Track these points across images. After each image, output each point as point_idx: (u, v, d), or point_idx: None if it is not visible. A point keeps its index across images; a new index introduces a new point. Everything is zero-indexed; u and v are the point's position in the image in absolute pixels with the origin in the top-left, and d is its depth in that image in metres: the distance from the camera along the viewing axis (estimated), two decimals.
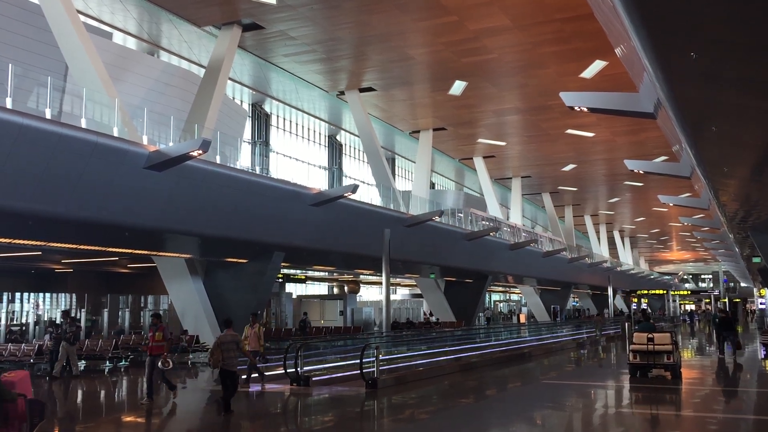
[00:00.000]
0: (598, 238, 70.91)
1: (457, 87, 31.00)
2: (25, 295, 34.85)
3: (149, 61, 27.64)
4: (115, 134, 17.71)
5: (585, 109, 14.01)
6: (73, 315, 25.02)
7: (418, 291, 48.32)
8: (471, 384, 17.71)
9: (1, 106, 14.70)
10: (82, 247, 21.58)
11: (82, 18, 21.99)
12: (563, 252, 50.10)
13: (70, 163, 15.66)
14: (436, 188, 53.44)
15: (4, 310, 31.28)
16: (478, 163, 45.39)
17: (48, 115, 16.34)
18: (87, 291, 33.70)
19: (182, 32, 26.44)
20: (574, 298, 74.57)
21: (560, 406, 14.07)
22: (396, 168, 50.37)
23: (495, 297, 75.51)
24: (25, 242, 20.01)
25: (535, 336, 32.40)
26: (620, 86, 25.54)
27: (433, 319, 43.38)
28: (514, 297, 77.01)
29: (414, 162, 41.95)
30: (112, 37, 26.66)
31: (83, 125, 17.01)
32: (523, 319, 60.02)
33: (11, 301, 33.72)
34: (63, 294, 35.82)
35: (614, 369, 22.04)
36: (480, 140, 41.08)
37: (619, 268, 67.01)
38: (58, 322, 22.33)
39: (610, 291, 51.46)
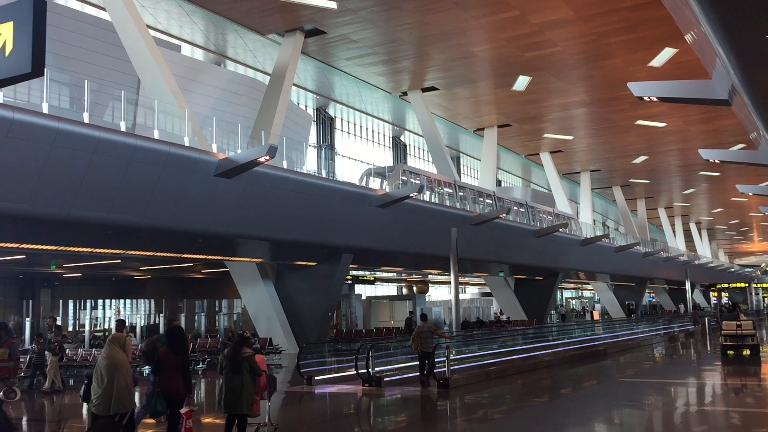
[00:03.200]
0: (674, 231, 68.71)
1: (521, 82, 30.59)
2: (107, 301, 36.26)
3: (216, 71, 28.35)
4: (186, 144, 18.22)
5: (655, 99, 13.60)
6: (59, 324, 22.51)
7: (487, 289, 47.91)
8: (545, 383, 17.43)
9: (79, 121, 15.34)
10: (158, 254, 22.30)
11: (152, 33, 22.73)
12: (637, 246, 48.75)
13: (145, 173, 16.20)
14: (502, 185, 52.89)
15: (88, 317, 32.63)
16: (545, 158, 44.69)
17: (123, 128, 16.95)
18: (164, 296, 34.77)
19: (247, 41, 27.00)
20: (649, 293, 72.42)
21: (639, 404, 13.69)
22: (461, 166, 50.09)
23: (567, 294, 74.11)
24: (105, 251, 20.84)
25: (609, 333, 31.63)
26: (692, 73, 24.71)
27: (504, 317, 42.90)
28: (587, 294, 75.38)
29: (479, 160, 41.62)
30: (181, 50, 27.45)
31: (156, 136, 17.57)
32: (596, 316, 58.68)
33: (94, 307, 35.15)
34: (142, 300, 37.11)
35: (695, 365, 21.32)
36: (546, 135, 40.43)
37: (696, 262, 64.75)
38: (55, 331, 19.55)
39: (687, 285, 49.78)
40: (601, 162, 47.34)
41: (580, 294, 76.71)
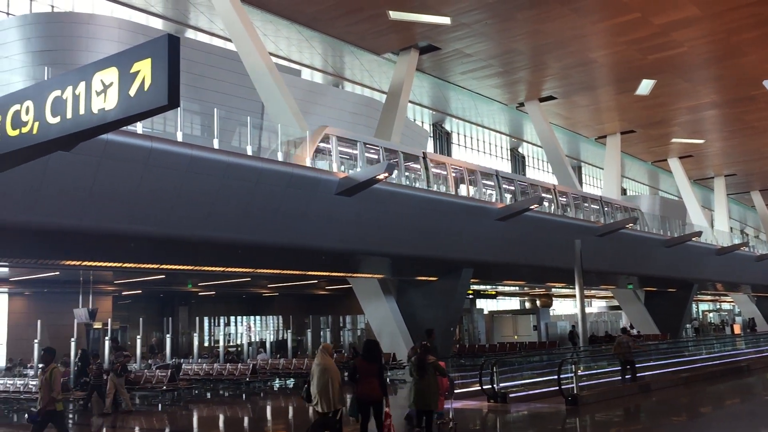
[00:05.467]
0: None
1: (645, 86, 29.39)
2: (239, 318, 37.92)
3: (335, 93, 29.17)
4: (308, 164, 18.82)
5: None
6: (120, 344, 22.35)
7: (615, 303, 46.05)
8: (682, 401, 16.50)
9: (210, 147, 16.23)
10: (284, 272, 23.09)
11: (274, 59, 23.73)
12: None
13: (270, 194, 16.87)
14: (628, 194, 50.84)
15: (221, 333, 34.24)
16: (674, 164, 42.59)
17: (249, 152, 17.75)
18: (291, 313, 35.92)
19: (363, 62, 27.64)
20: None
21: None
22: (583, 176, 48.65)
23: (703, 306, 69.86)
24: (236, 270, 21.85)
25: (753, 347, 29.53)
26: None
27: (634, 331, 41.02)
28: (726, 306, 70.73)
29: (602, 168, 40.27)
30: (301, 74, 28.48)
31: (280, 158, 18.27)
32: (737, 329, 54.89)
33: (227, 324, 36.86)
34: (270, 316, 38.52)
35: None
36: (674, 140, 38.55)
37: None
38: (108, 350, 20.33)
39: None
40: (736, 166, 44.51)
41: (718, 306, 72.07)
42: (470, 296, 37.48)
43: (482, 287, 38.46)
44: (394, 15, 23.23)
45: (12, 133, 5.52)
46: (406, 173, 22.12)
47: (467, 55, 26.55)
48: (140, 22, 24.52)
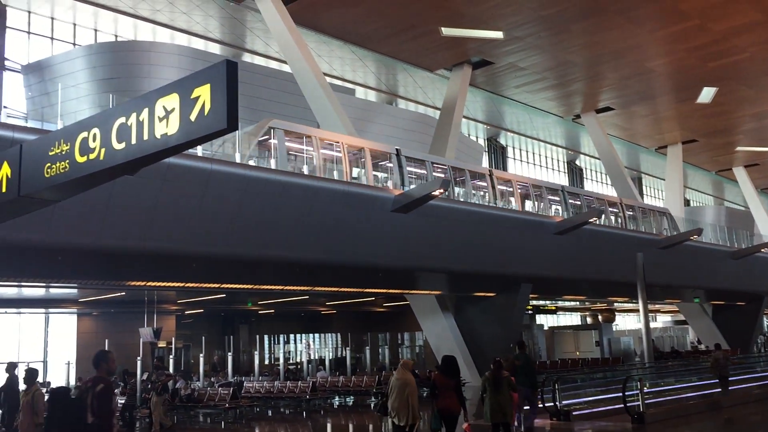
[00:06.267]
0: None
1: (706, 94, 28.63)
2: (298, 336, 38.25)
3: (388, 110, 29.35)
4: (364, 182, 18.95)
5: None
6: (164, 363, 22.54)
7: (681, 317, 44.66)
8: (754, 419, 15.84)
9: (266, 168, 16.52)
10: (341, 289, 23.23)
11: (328, 79, 24.08)
12: None
13: (326, 212, 17.03)
14: (691, 205, 49.40)
15: (281, 351, 34.59)
16: (739, 173, 41.24)
17: (306, 171, 17.99)
18: (350, 330, 36.03)
19: (416, 79, 27.76)
20: None
21: None
22: (643, 187, 47.55)
23: None
24: (294, 288, 22.09)
25: None
26: None
27: (702, 347, 39.65)
28: None
29: (663, 179, 39.29)
30: (355, 93, 28.79)
31: (335, 177, 18.45)
32: None
33: (287, 342, 37.22)
34: (329, 334, 38.72)
35: None
36: (739, 148, 37.37)
37: None
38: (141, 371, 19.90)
39: None
40: None
41: None
42: (529, 312, 36.91)
43: (542, 302, 37.85)
44: (446, 32, 23.29)
45: (80, 159, 5.75)
46: (473, 191, 22.19)
47: (521, 68, 26.39)
48: (199, 47, 25.24)
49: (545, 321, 43.23)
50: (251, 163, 16.70)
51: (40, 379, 25.09)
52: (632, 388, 15.18)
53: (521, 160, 39.38)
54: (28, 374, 10.09)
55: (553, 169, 41.47)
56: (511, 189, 23.36)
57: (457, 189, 21.90)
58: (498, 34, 23.12)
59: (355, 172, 19.19)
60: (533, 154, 40.13)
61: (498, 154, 37.91)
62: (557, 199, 25.06)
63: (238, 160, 15.93)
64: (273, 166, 16.80)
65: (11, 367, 13.66)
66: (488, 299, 25.16)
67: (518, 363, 12.89)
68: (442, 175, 20.53)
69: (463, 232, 20.43)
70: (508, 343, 24.63)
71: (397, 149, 20.07)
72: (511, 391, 10.86)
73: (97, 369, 6.93)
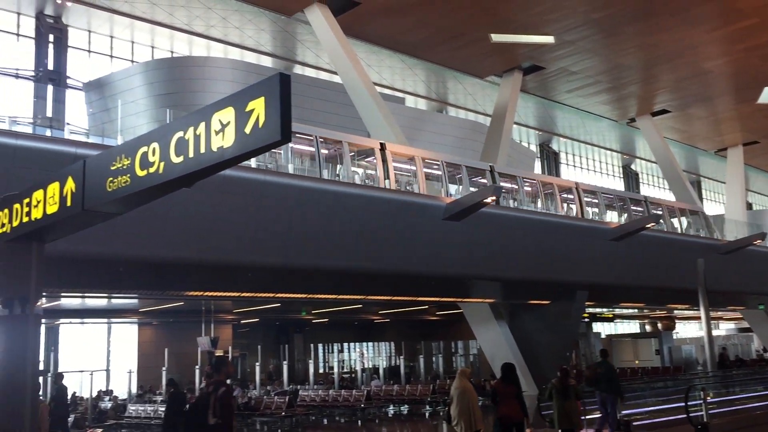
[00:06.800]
0: None
1: (767, 94, 27.74)
2: (351, 344, 38.38)
3: (439, 118, 29.32)
4: (415, 191, 18.96)
5: None
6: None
7: (746, 324, 43.17)
8: None
9: (318, 178, 16.69)
10: (394, 298, 23.23)
11: (378, 89, 24.21)
12: None
13: (378, 221, 17.09)
14: (753, 209, 47.82)
15: (335, 360, 34.75)
16: None
17: (358, 181, 18.11)
18: (403, 339, 35.98)
19: (466, 86, 27.68)
20: None
21: None
22: (702, 191, 46.26)
23: None
24: (347, 297, 22.20)
25: None
26: None
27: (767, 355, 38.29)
28: None
29: (724, 183, 38.16)
30: (405, 101, 28.85)
31: (387, 185, 18.51)
32: None
33: (341, 351, 37.38)
34: (383, 343, 38.72)
35: None
36: None
37: None
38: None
39: None
40: None
41: None
42: (586, 320, 36.23)
43: (598, 310, 37.12)
44: (496, 38, 23.17)
45: (141, 173, 5.91)
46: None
47: (573, 72, 26.05)
48: (251, 61, 25.71)
49: (602, 329, 42.36)
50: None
51: (102, 387, 25.90)
52: (695, 398, 14.75)
53: (574, 166, 38.79)
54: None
55: (608, 174, 40.71)
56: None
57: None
58: (549, 39, 22.87)
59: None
60: (587, 159, 39.50)
61: (551, 160, 37.44)
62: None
63: (291, 171, 16.14)
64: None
65: (59, 377, 14.05)
66: (543, 307, 24.79)
67: (600, 371, 13.03)
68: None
69: (517, 240, 20.24)
70: (564, 351, 24.29)
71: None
72: (577, 399, 11.08)
73: (217, 373, 7.41)
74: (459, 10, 21.63)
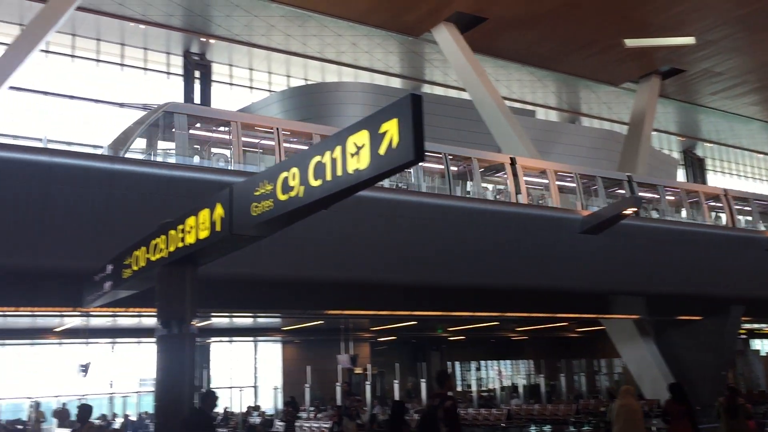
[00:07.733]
0: None
1: None
2: (489, 362, 37.88)
3: (571, 129, 28.55)
4: (550, 204, 18.53)
5: None
6: (354, 391, 23.53)
7: None
8: None
9: (447, 195, 16.71)
10: (531, 314, 22.72)
11: (508, 102, 23.98)
12: None
13: (512, 236, 16.84)
14: None
15: (473, 377, 34.43)
16: None
17: (489, 197, 17.96)
18: (543, 357, 35.06)
19: (599, 95, 26.81)
20: None
21: None
22: None
23: None
24: (483, 314, 21.97)
25: None
26: None
27: None
28: None
29: None
30: (535, 114, 28.35)
31: (518, 200, 18.23)
32: None
33: (478, 369, 36.99)
34: (521, 361, 37.92)
35: None
36: None
37: None
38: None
39: None
40: None
41: None
42: (743, 336, 33.71)
43: (757, 326, 34.42)
44: (630, 43, 22.33)
45: (282, 197, 6.19)
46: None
47: (717, 73, 24.57)
48: (381, 83, 26.29)
49: (762, 346, 39.21)
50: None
51: (252, 403, 27.16)
52: None
53: (722, 172, 36.41)
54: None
55: (761, 180, 37.88)
56: (749, 208, 22.08)
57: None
58: (689, 40, 21.74)
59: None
60: (735, 164, 36.95)
61: (695, 166, 35.36)
62: None
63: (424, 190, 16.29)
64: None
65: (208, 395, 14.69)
66: (694, 323, 23.35)
67: None
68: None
69: (662, 252, 19.25)
70: (718, 370, 22.72)
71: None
72: (747, 419, 10.94)
73: (441, 387, 8.06)
74: (589, 18, 21.05)
